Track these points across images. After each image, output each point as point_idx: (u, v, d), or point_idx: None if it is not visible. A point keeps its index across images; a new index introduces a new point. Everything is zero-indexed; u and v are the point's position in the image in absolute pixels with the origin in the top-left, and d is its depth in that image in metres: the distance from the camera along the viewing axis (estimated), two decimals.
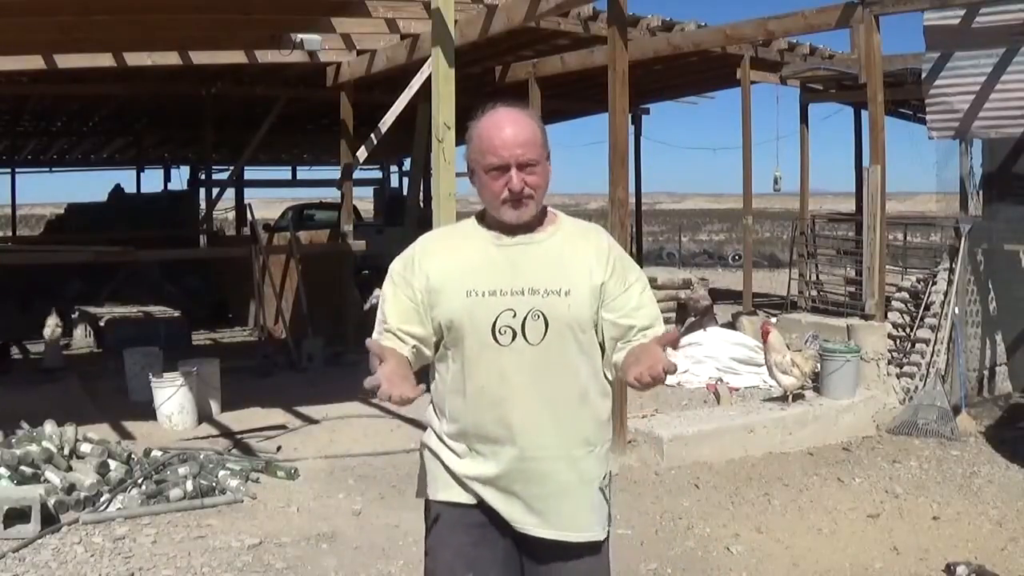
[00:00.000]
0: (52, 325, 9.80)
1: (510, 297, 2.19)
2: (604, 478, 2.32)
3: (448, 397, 2.26)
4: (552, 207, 2.38)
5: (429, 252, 2.30)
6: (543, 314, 2.19)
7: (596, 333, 2.26)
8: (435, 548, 2.30)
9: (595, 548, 2.29)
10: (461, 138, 5.65)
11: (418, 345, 2.25)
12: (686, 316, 9.97)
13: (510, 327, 2.18)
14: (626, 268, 2.31)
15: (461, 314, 2.20)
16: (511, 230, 2.27)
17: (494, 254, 2.25)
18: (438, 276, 2.24)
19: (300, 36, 8.35)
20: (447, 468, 2.27)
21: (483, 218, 2.32)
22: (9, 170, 19.90)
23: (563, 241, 2.29)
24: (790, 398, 6.96)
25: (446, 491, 2.27)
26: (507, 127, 2.22)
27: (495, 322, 2.18)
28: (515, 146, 2.19)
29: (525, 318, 2.18)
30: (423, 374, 2.31)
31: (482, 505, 2.25)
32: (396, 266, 2.33)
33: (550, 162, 2.31)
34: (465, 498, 2.25)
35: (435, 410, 2.33)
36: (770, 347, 7.11)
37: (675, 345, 2.12)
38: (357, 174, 11.80)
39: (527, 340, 2.19)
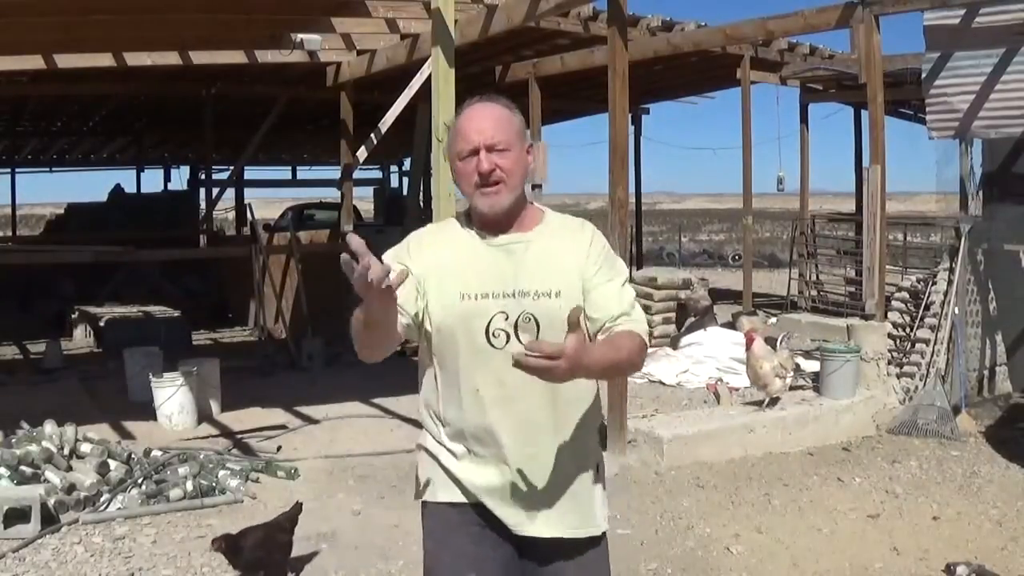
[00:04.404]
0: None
1: (502, 300, 2.18)
2: (598, 471, 2.33)
3: (443, 400, 2.26)
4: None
5: (423, 247, 2.28)
6: (534, 316, 2.18)
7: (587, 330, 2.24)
8: (435, 550, 2.29)
9: (597, 542, 2.31)
10: None
11: (411, 323, 2.21)
12: (686, 316, 9.97)
13: (503, 330, 2.18)
14: (609, 260, 2.29)
15: (455, 317, 2.19)
16: (498, 228, 2.25)
17: (485, 254, 2.23)
18: (435, 275, 2.22)
19: (300, 36, 8.35)
20: (445, 469, 2.27)
21: (468, 217, 2.30)
22: (9, 170, 19.89)
23: (552, 240, 2.26)
24: (767, 401, 6.81)
25: (445, 492, 2.27)
26: (477, 115, 2.23)
27: (488, 325, 2.18)
28: (483, 130, 2.20)
29: (517, 320, 2.18)
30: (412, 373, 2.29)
31: (482, 506, 2.24)
32: (390, 254, 2.27)
33: (530, 154, 2.29)
34: (464, 498, 2.25)
35: (429, 412, 2.32)
36: (759, 356, 6.89)
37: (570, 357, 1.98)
38: (357, 174, 11.80)
39: (520, 343, 2.17)
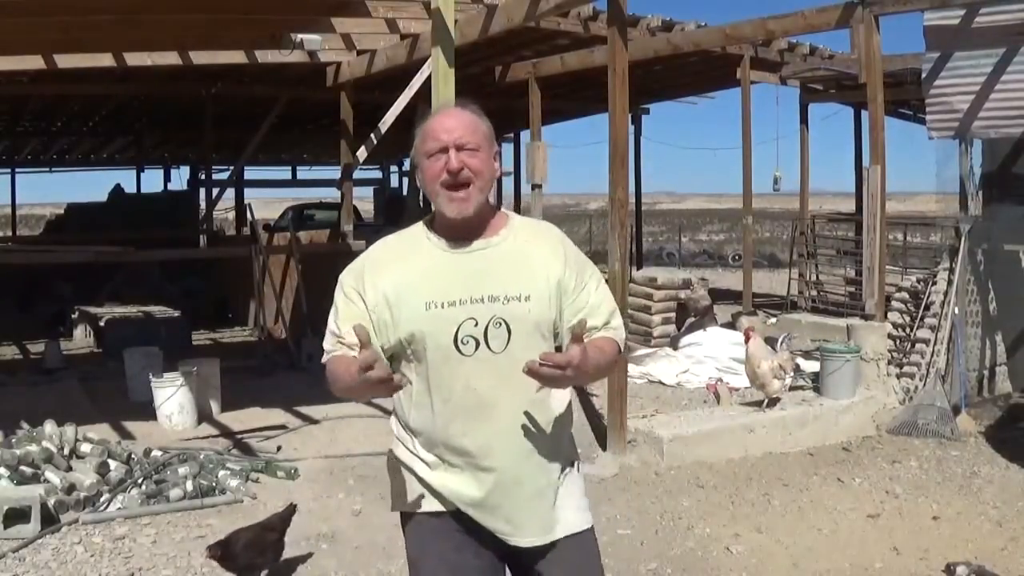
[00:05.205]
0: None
1: (470, 306, 2.16)
2: (575, 469, 2.32)
3: (414, 409, 2.24)
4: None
5: (381, 266, 2.25)
6: (505, 321, 2.16)
7: (558, 334, 2.25)
8: (417, 558, 2.28)
9: (581, 540, 2.29)
10: None
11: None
12: (686, 316, 9.97)
13: (472, 336, 2.16)
14: (581, 265, 2.30)
15: (422, 327, 2.17)
16: (464, 236, 2.22)
17: (449, 262, 2.21)
18: (394, 291, 2.20)
19: (300, 36, 8.34)
20: (420, 479, 2.26)
21: (433, 224, 2.28)
22: (9, 170, 19.90)
23: (518, 244, 2.25)
24: (766, 402, 6.81)
25: (423, 502, 2.26)
26: (447, 117, 2.23)
27: (457, 332, 2.15)
28: (453, 130, 2.18)
29: (487, 326, 2.16)
30: None
31: (461, 512, 2.23)
32: (347, 279, 2.28)
33: (498, 161, 2.30)
34: (442, 506, 2.24)
35: (400, 421, 2.31)
36: (756, 356, 6.87)
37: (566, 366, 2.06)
38: (357, 174, 11.80)
39: (490, 348, 2.16)
